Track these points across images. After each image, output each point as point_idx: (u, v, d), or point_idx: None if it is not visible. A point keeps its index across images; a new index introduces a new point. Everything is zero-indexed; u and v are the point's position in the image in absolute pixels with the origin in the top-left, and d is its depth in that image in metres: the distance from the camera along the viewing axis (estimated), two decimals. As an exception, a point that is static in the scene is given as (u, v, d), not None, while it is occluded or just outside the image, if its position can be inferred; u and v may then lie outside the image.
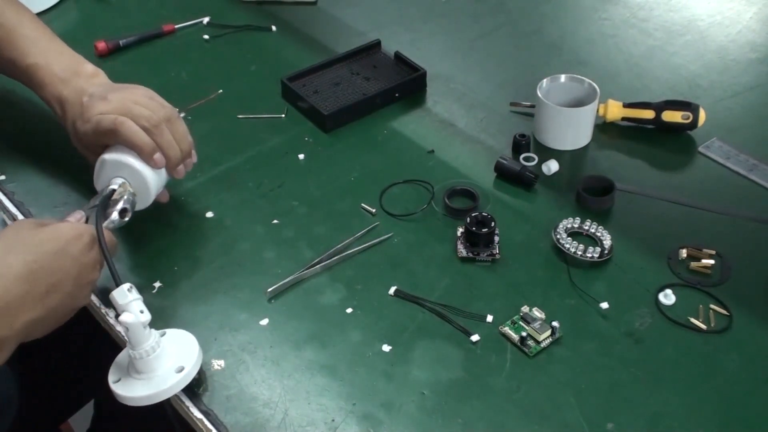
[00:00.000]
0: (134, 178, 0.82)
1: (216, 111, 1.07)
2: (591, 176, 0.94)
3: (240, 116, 1.06)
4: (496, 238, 0.87)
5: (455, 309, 0.81)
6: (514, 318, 0.79)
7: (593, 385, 0.74)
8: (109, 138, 0.82)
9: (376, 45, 1.15)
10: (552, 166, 0.96)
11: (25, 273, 0.69)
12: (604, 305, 0.81)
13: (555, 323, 0.77)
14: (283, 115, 1.06)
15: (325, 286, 0.84)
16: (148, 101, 0.84)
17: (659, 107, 1.00)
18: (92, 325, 0.83)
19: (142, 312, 0.70)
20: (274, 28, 1.22)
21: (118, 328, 0.76)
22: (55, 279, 0.71)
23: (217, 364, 0.77)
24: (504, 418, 0.72)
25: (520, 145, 0.99)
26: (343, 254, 0.87)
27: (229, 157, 1.00)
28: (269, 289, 0.82)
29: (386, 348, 0.77)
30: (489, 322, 0.79)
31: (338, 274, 0.85)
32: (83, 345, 1.02)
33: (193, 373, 0.73)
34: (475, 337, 0.78)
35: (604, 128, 1.02)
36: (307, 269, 0.85)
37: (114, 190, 0.81)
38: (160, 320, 0.80)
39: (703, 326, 0.78)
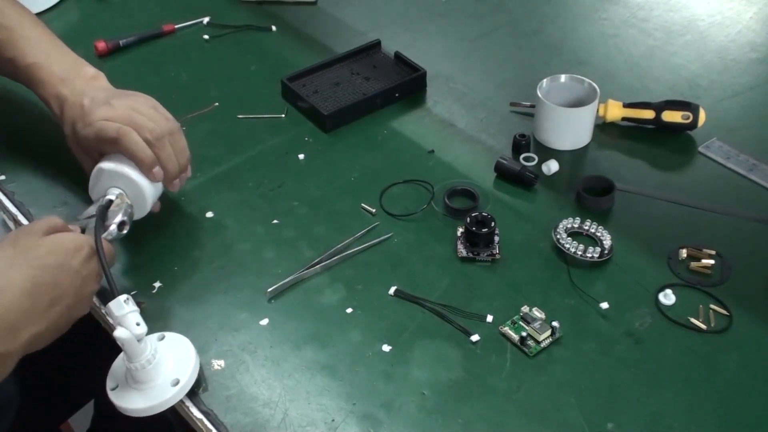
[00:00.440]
0: (131, 189, 0.82)
1: (216, 111, 1.07)
2: (591, 176, 0.94)
3: (240, 116, 1.06)
4: (496, 238, 0.87)
5: (455, 309, 0.81)
6: (514, 318, 0.79)
7: (593, 385, 0.74)
8: (110, 146, 0.82)
9: (376, 45, 1.15)
10: (552, 166, 0.96)
11: (28, 288, 0.69)
12: (604, 305, 0.81)
13: (555, 323, 0.77)
14: (283, 115, 1.06)
15: (325, 286, 0.84)
16: (153, 113, 0.84)
17: (659, 107, 1.00)
18: (92, 325, 0.83)
19: (138, 324, 0.70)
20: (274, 28, 1.22)
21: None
22: (57, 292, 0.70)
23: (217, 364, 0.77)
24: (504, 418, 0.72)
25: (520, 145, 0.99)
26: (343, 254, 0.87)
27: (229, 157, 1.00)
28: (269, 289, 0.82)
29: (386, 348, 0.77)
30: (489, 322, 0.79)
31: (338, 274, 0.85)
32: (83, 345, 1.02)
33: (189, 386, 0.73)
34: (475, 337, 0.78)
35: (604, 128, 1.02)
36: (307, 269, 0.85)
37: (111, 201, 0.81)
38: (159, 320, 0.80)
39: (703, 326, 0.78)
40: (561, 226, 0.87)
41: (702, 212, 0.91)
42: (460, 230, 0.88)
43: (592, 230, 0.87)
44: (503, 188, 0.95)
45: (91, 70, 0.90)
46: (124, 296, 0.71)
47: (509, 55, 1.17)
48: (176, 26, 1.22)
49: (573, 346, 0.77)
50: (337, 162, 0.99)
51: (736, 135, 1.01)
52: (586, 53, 1.16)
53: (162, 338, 0.76)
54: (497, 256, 0.86)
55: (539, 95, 0.99)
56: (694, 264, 0.84)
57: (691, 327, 0.79)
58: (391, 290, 0.83)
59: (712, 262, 0.84)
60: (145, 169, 0.82)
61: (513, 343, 0.78)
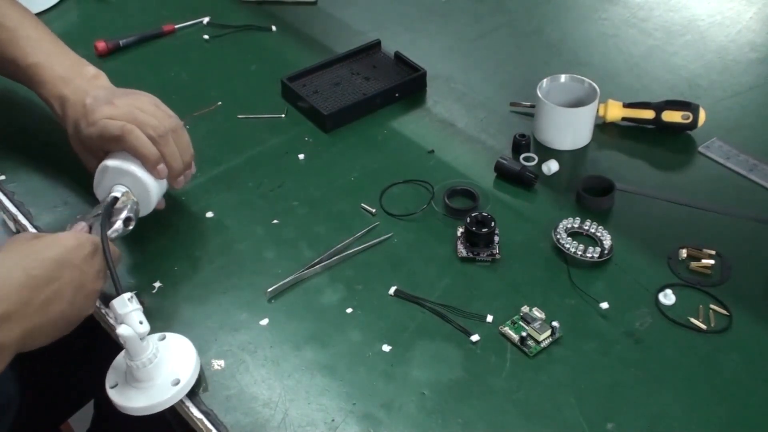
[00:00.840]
0: (136, 186, 0.82)
1: (216, 111, 1.07)
2: (591, 176, 0.94)
3: (240, 116, 1.06)
4: (496, 238, 0.87)
5: (455, 309, 0.81)
6: (514, 318, 0.79)
7: (593, 385, 0.74)
8: (114, 144, 0.82)
9: (376, 45, 1.15)
10: (552, 166, 0.96)
11: (25, 281, 0.69)
12: (604, 305, 0.81)
13: (555, 323, 0.77)
14: (283, 115, 1.06)
15: (325, 286, 0.84)
16: (155, 110, 0.84)
17: (659, 107, 1.00)
18: (92, 325, 0.83)
19: (141, 323, 0.70)
20: (274, 28, 1.22)
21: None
22: (55, 287, 0.70)
23: (217, 364, 0.77)
24: (504, 418, 0.72)
25: (520, 145, 0.99)
26: (343, 254, 0.87)
27: (229, 157, 1.00)
28: (269, 289, 0.82)
29: (386, 348, 0.77)
30: (489, 322, 0.79)
31: (338, 274, 0.85)
32: (83, 345, 1.02)
33: (190, 386, 0.73)
34: (475, 337, 0.78)
35: (604, 128, 1.02)
36: (307, 269, 0.85)
37: (117, 198, 0.81)
38: (159, 320, 0.80)
39: (703, 326, 0.78)
40: (561, 226, 0.87)
41: (702, 212, 0.91)
42: (460, 230, 0.88)
43: (592, 230, 0.87)
44: (503, 188, 0.95)
45: (92, 69, 0.90)
46: (127, 294, 0.71)
47: (509, 55, 1.17)
48: (176, 26, 1.22)
49: (573, 346, 0.77)
50: (337, 162, 0.99)
51: (736, 135, 1.01)
52: (586, 53, 1.16)
53: (163, 338, 0.76)
54: (497, 256, 0.86)
55: (539, 95, 0.99)
56: (694, 264, 0.84)
57: (691, 327, 0.79)
58: (391, 290, 0.83)
59: (712, 262, 0.84)
60: (149, 166, 0.82)
61: (513, 343, 0.78)
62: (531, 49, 1.18)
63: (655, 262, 0.85)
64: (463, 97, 1.09)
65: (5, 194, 0.95)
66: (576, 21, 1.24)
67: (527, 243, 0.88)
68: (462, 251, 0.86)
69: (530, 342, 0.77)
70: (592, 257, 0.84)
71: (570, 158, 0.99)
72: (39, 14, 1.23)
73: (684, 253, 0.85)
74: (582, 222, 0.88)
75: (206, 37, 1.21)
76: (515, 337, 0.78)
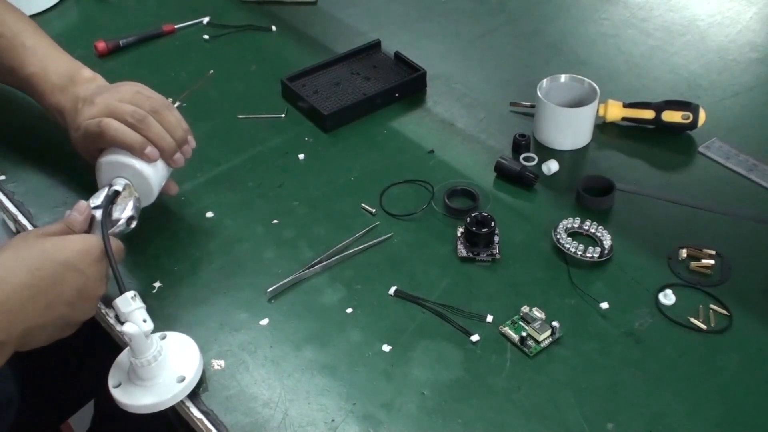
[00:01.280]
0: (133, 175, 0.82)
1: (216, 111, 1.07)
2: (591, 176, 0.94)
3: (240, 116, 1.06)
4: (496, 238, 0.87)
5: (455, 309, 0.81)
6: (514, 318, 0.79)
7: (593, 385, 0.74)
8: (100, 142, 0.82)
9: (376, 45, 1.15)
10: (552, 166, 0.96)
11: (28, 281, 0.69)
12: (604, 305, 0.81)
13: (555, 323, 0.77)
14: (283, 115, 1.06)
15: (325, 286, 0.84)
16: (134, 96, 0.83)
17: (659, 107, 1.00)
18: (92, 325, 0.83)
19: (145, 321, 0.70)
20: (274, 28, 1.22)
21: (118, 328, 0.77)
22: (58, 289, 0.70)
23: (217, 364, 0.77)
24: (504, 418, 0.72)
25: (520, 145, 0.99)
26: (343, 254, 0.86)
27: (229, 157, 1.00)
28: (269, 289, 0.82)
29: (386, 348, 0.77)
30: (489, 322, 0.79)
31: (338, 274, 0.85)
32: (83, 345, 1.02)
33: (195, 382, 0.73)
34: (475, 337, 0.78)
35: (604, 128, 1.02)
36: (307, 269, 0.85)
37: (117, 192, 0.80)
38: (159, 320, 0.80)
39: (703, 326, 0.78)
40: (561, 226, 0.87)
41: (702, 212, 0.91)
42: (460, 230, 0.88)
43: (592, 230, 0.87)
44: (503, 188, 0.95)
45: (87, 72, 0.89)
46: (131, 293, 0.71)
47: (509, 55, 1.17)
48: (176, 26, 1.22)
49: (573, 346, 0.77)
50: (337, 162, 0.99)
51: (736, 135, 1.01)
52: (586, 53, 1.16)
53: (164, 338, 0.76)
54: (497, 256, 0.85)
55: (539, 95, 0.99)
56: (694, 264, 0.84)
57: (691, 327, 0.79)
58: (391, 290, 0.83)
59: (712, 262, 0.84)
60: (136, 152, 0.81)
61: (513, 343, 0.78)
62: (531, 49, 1.18)
63: (655, 262, 0.85)
64: (463, 97, 1.09)
65: (5, 194, 0.95)
66: (576, 21, 1.24)
67: (527, 243, 0.88)
68: (462, 251, 0.86)
69: (530, 342, 0.77)
70: (592, 257, 0.84)
71: (570, 158, 0.99)
72: (39, 14, 1.23)
73: (684, 253, 0.85)
74: (582, 222, 0.88)
75: (206, 37, 1.21)
76: (515, 337, 0.78)
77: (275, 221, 0.91)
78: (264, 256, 0.87)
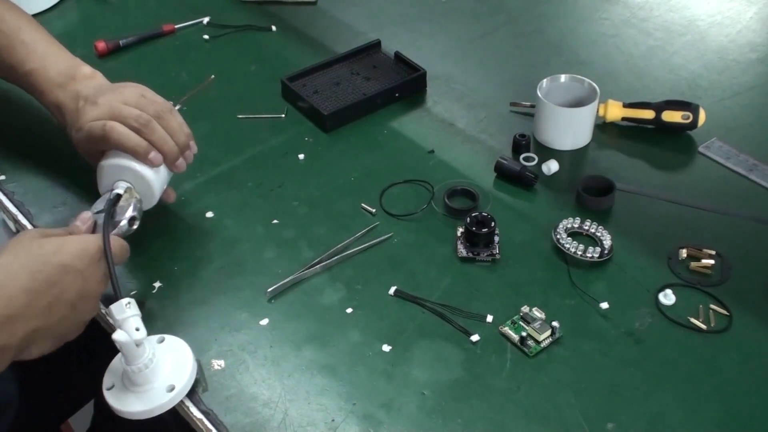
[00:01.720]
0: (136, 179, 0.82)
1: (216, 111, 1.07)
2: (591, 176, 0.94)
3: (240, 116, 1.06)
4: (496, 238, 0.87)
5: (455, 309, 0.81)
6: (514, 318, 0.79)
7: (593, 385, 0.74)
8: (103, 144, 0.82)
9: (376, 45, 1.15)
10: (552, 166, 0.96)
11: (28, 284, 0.68)
12: (604, 305, 0.81)
13: (555, 323, 0.77)
14: (283, 115, 1.06)
15: (325, 286, 0.84)
16: (138, 99, 0.83)
17: (659, 107, 1.00)
18: (92, 325, 0.83)
19: (137, 329, 0.70)
20: (274, 28, 1.22)
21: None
22: (57, 291, 0.70)
23: (217, 364, 0.77)
24: (504, 418, 0.72)
25: (520, 145, 0.99)
26: (343, 254, 0.86)
27: (229, 157, 1.00)
28: (269, 289, 0.82)
29: (386, 348, 0.77)
30: (489, 322, 0.79)
31: (338, 274, 0.85)
32: (83, 345, 1.02)
33: (185, 391, 0.73)
34: (475, 337, 0.78)
35: (604, 128, 1.02)
36: (307, 269, 0.85)
37: (119, 195, 0.80)
38: (159, 321, 0.80)
39: (703, 326, 0.78)
40: (561, 226, 0.87)
41: (702, 212, 0.91)
42: (460, 230, 0.88)
43: (592, 230, 0.87)
44: (503, 188, 0.95)
45: (87, 69, 0.89)
46: (125, 300, 0.70)
47: (509, 55, 1.17)
48: (176, 26, 1.22)
49: (573, 346, 0.77)
50: (337, 162, 0.99)
51: (736, 135, 1.01)
52: (586, 53, 1.16)
53: (161, 341, 0.76)
54: (497, 256, 0.85)
55: (539, 95, 0.99)
56: (694, 264, 0.84)
57: (691, 327, 0.79)
58: (391, 290, 0.83)
59: (712, 262, 0.84)
60: (140, 157, 0.81)
61: (513, 343, 0.78)
62: (531, 49, 1.18)
63: (655, 262, 0.85)
64: (463, 97, 1.09)
65: (5, 194, 0.95)
66: (576, 21, 1.24)
67: (527, 243, 0.88)
68: (462, 251, 0.86)
69: (530, 342, 0.77)
70: (592, 257, 0.84)
71: (570, 158, 0.99)
72: (39, 14, 1.23)
73: (684, 253, 0.85)
74: (582, 222, 0.88)
75: (206, 37, 1.21)
76: (515, 337, 0.78)
77: (275, 221, 0.91)
78: (264, 256, 0.87)
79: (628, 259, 0.85)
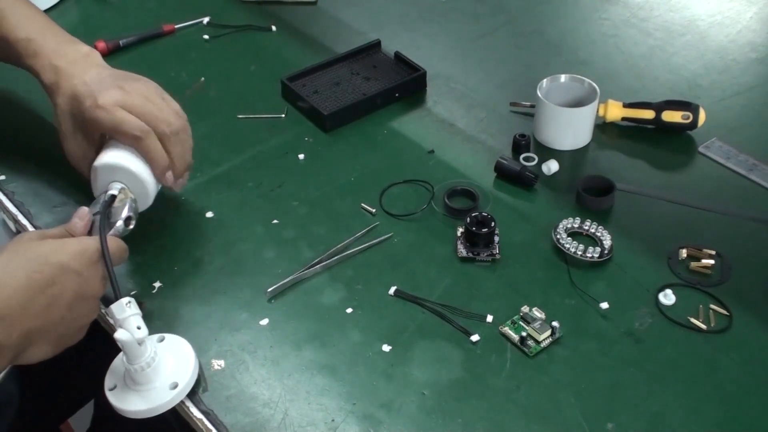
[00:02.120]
0: (130, 180, 0.82)
1: (216, 111, 1.07)
2: (591, 176, 0.94)
3: (240, 116, 1.06)
4: (496, 238, 0.87)
5: (455, 309, 0.81)
6: (514, 318, 0.79)
7: (593, 385, 0.74)
8: (123, 138, 0.81)
9: (376, 45, 1.15)
10: (552, 166, 0.96)
11: (26, 283, 0.68)
12: (604, 305, 0.81)
13: (555, 323, 0.77)
14: (283, 115, 1.06)
15: (325, 286, 0.84)
16: (165, 105, 0.83)
17: (659, 107, 1.00)
18: (92, 325, 0.83)
19: (139, 328, 0.70)
20: (274, 28, 1.22)
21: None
22: (54, 291, 0.70)
23: (217, 364, 0.77)
24: (504, 418, 0.72)
25: (520, 145, 0.99)
26: (343, 254, 0.87)
27: (229, 157, 1.00)
28: (269, 289, 0.82)
29: (386, 348, 0.77)
30: (489, 322, 0.79)
31: (338, 274, 0.85)
32: (83, 345, 1.02)
33: (188, 389, 0.73)
34: (475, 337, 0.78)
35: (604, 128, 1.02)
36: (307, 269, 0.85)
37: (114, 196, 0.80)
38: (159, 321, 0.80)
39: (703, 326, 0.78)
40: (561, 226, 0.87)
41: (702, 212, 0.91)
42: (460, 230, 0.88)
43: (592, 230, 0.87)
44: (503, 188, 0.95)
45: (84, 47, 0.88)
46: (126, 299, 0.70)
47: (509, 55, 1.17)
48: (176, 26, 1.22)
49: (573, 346, 0.77)
50: (337, 162, 0.99)
51: (736, 135, 1.01)
52: (586, 53, 1.16)
53: (162, 340, 0.76)
54: (497, 256, 0.85)
55: (539, 95, 0.99)
56: (694, 264, 0.84)
57: (691, 327, 0.79)
58: (391, 290, 0.83)
59: (712, 262, 0.84)
60: (158, 172, 0.82)
61: (513, 343, 0.78)
62: (531, 49, 1.18)
63: (655, 262, 0.85)
64: (463, 97, 1.09)
65: (5, 194, 0.95)
66: (576, 21, 1.24)
67: (527, 243, 0.88)
68: (462, 251, 0.86)
69: (530, 342, 0.77)
70: (592, 257, 0.84)
71: (570, 158, 0.99)
72: (39, 14, 1.23)
73: (684, 253, 0.85)
74: (582, 222, 0.88)
75: (206, 37, 1.21)
76: (515, 337, 0.78)
77: (275, 221, 0.91)
78: (264, 256, 0.87)
79: (628, 259, 0.85)
